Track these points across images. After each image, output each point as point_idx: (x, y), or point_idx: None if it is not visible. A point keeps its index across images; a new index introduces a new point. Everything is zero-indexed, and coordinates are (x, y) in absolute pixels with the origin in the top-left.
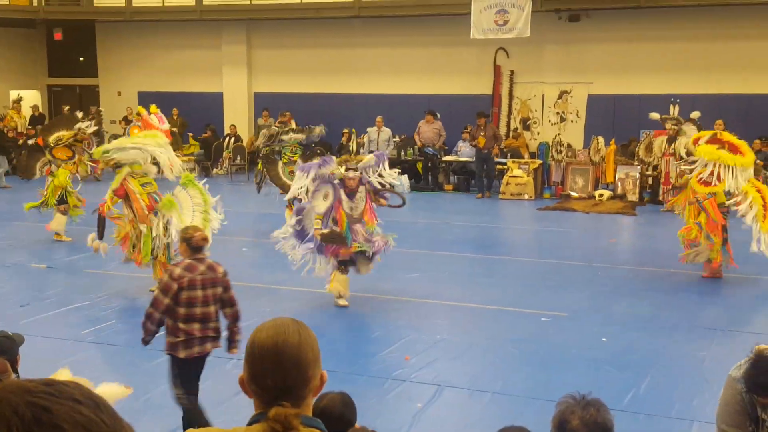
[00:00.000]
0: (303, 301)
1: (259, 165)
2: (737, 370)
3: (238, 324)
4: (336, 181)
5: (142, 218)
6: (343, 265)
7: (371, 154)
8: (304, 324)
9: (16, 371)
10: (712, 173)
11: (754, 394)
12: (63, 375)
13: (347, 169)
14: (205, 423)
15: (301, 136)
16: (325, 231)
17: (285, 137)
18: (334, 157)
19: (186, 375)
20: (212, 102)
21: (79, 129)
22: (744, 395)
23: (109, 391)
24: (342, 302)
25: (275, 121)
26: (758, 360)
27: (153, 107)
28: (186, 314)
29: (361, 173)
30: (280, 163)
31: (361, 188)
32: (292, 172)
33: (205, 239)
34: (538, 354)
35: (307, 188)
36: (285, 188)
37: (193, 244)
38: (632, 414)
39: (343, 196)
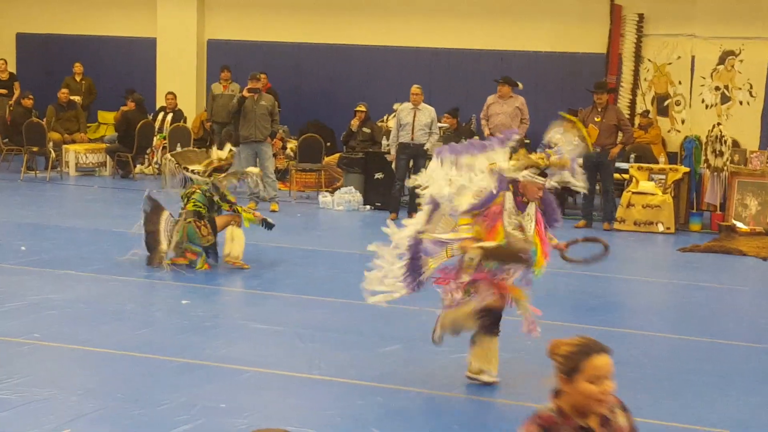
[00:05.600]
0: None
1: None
2: None
3: None
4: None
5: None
6: (494, 321)
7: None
8: None
9: None
10: None
11: None
12: None
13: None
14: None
15: (204, 179)
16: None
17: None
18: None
19: None
20: (139, 54)
21: None
22: None
23: None
24: (488, 378)
25: (241, 87)
26: None
27: None
28: None
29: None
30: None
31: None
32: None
33: None
34: None
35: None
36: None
37: None
38: None
39: (509, 204)
